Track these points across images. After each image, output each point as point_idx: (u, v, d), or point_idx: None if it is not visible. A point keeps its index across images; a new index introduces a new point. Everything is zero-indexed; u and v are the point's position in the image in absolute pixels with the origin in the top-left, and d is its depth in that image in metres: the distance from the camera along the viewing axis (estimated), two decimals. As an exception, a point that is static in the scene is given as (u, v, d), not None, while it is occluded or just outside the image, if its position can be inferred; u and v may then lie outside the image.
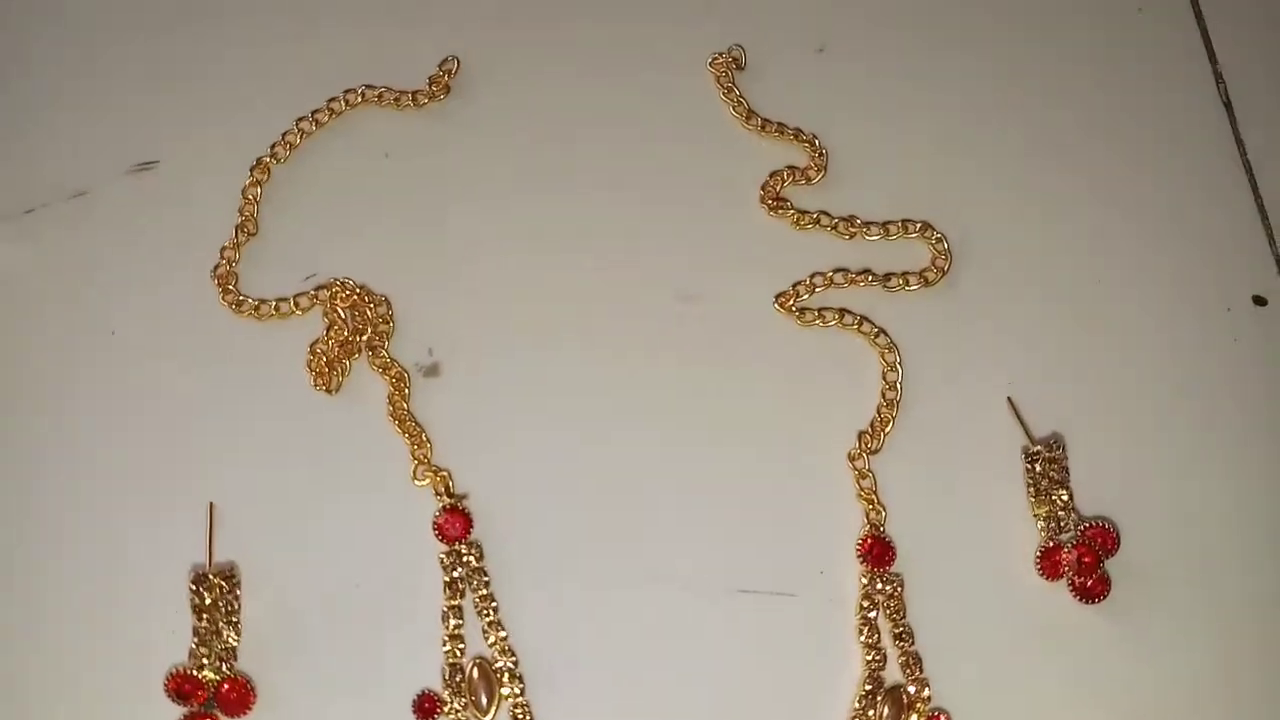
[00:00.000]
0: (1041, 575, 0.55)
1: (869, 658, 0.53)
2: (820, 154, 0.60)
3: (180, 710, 0.51)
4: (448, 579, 0.52)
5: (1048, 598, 0.55)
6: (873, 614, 0.54)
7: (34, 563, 0.53)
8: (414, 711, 0.50)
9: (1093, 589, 0.55)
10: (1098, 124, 0.61)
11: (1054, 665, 0.54)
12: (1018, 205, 0.60)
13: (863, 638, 0.53)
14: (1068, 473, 0.55)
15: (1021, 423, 0.55)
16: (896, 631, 0.53)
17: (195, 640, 0.51)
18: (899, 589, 0.53)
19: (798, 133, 0.60)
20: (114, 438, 0.55)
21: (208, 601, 0.50)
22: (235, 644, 0.51)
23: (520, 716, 0.50)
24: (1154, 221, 0.60)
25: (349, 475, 0.55)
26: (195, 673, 0.50)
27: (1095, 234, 0.60)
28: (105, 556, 0.53)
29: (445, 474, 0.53)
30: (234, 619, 0.51)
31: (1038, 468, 0.55)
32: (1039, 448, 0.54)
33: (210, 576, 0.50)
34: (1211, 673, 0.54)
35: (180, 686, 0.50)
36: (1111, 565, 0.55)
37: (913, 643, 0.53)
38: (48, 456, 0.54)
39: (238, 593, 0.51)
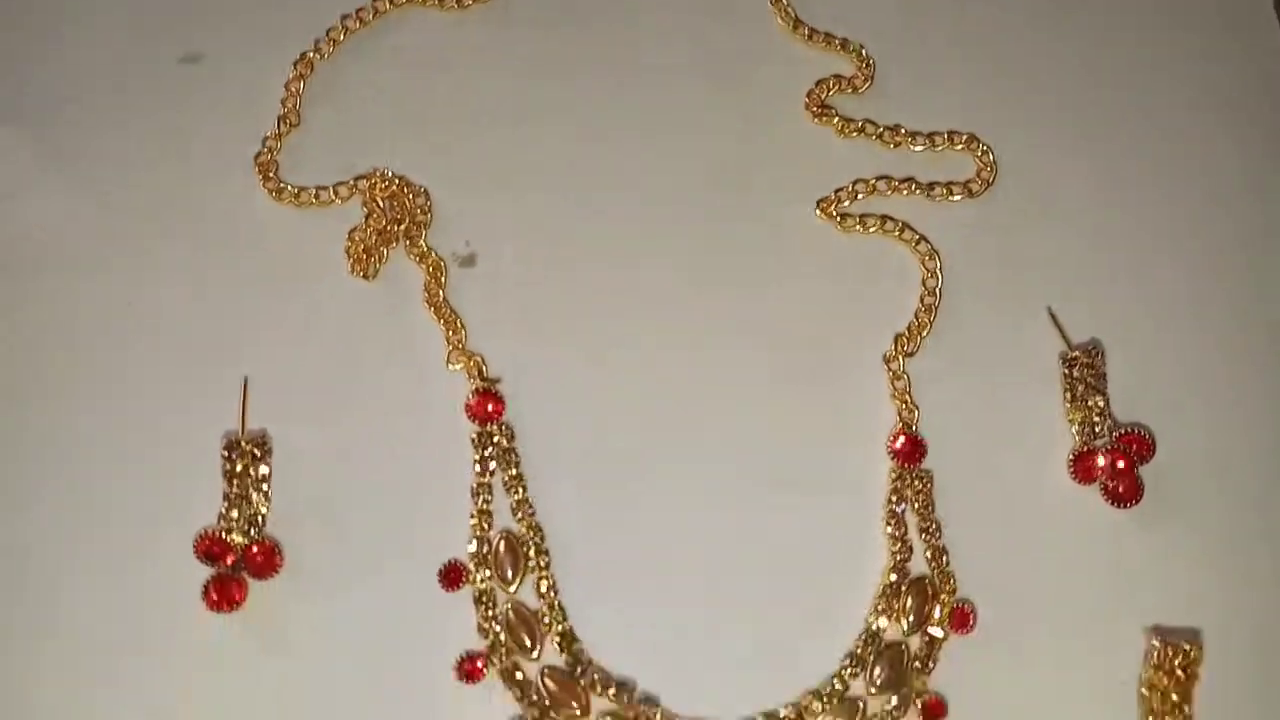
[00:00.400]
0: (1074, 479, 0.54)
1: (895, 549, 0.52)
2: (867, 64, 0.60)
3: (209, 571, 0.49)
4: (478, 457, 0.52)
5: (1080, 501, 0.55)
6: (900, 508, 0.53)
7: (79, 431, 0.54)
8: (440, 580, 0.50)
9: (1125, 493, 0.54)
10: (1147, 42, 0.60)
11: (1083, 566, 0.54)
12: (1064, 122, 0.60)
13: (889, 529, 0.53)
14: (1105, 380, 0.55)
15: (1061, 330, 0.55)
16: (924, 526, 0.53)
17: (225, 505, 0.51)
18: (928, 485, 0.53)
19: (844, 42, 0.60)
20: (157, 316, 0.55)
21: (239, 468, 0.50)
22: (264, 511, 0.52)
23: (545, 589, 0.50)
24: (1198, 140, 0.59)
25: (384, 357, 0.55)
26: (224, 536, 0.49)
27: (1140, 153, 0.59)
28: (143, 426, 0.53)
29: (479, 358, 0.53)
30: (264, 487, 0.50)
31: (1075, 373, 0.54)
32: (1076, 353, 0.54)
33: (242, 444, 0.51)
34: (1243, 580, 0.53)
35: (209, 548, 0.50)
36: (1146, 472, 0.54)
37: (940, 537, 0.53)
38: (92, 329, 0.55)
39: (269, 461, 0.51)
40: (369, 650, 0.51)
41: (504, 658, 0.49)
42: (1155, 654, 0.50)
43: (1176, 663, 0.49)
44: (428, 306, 0.55)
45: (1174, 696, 0.48)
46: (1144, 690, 0.50)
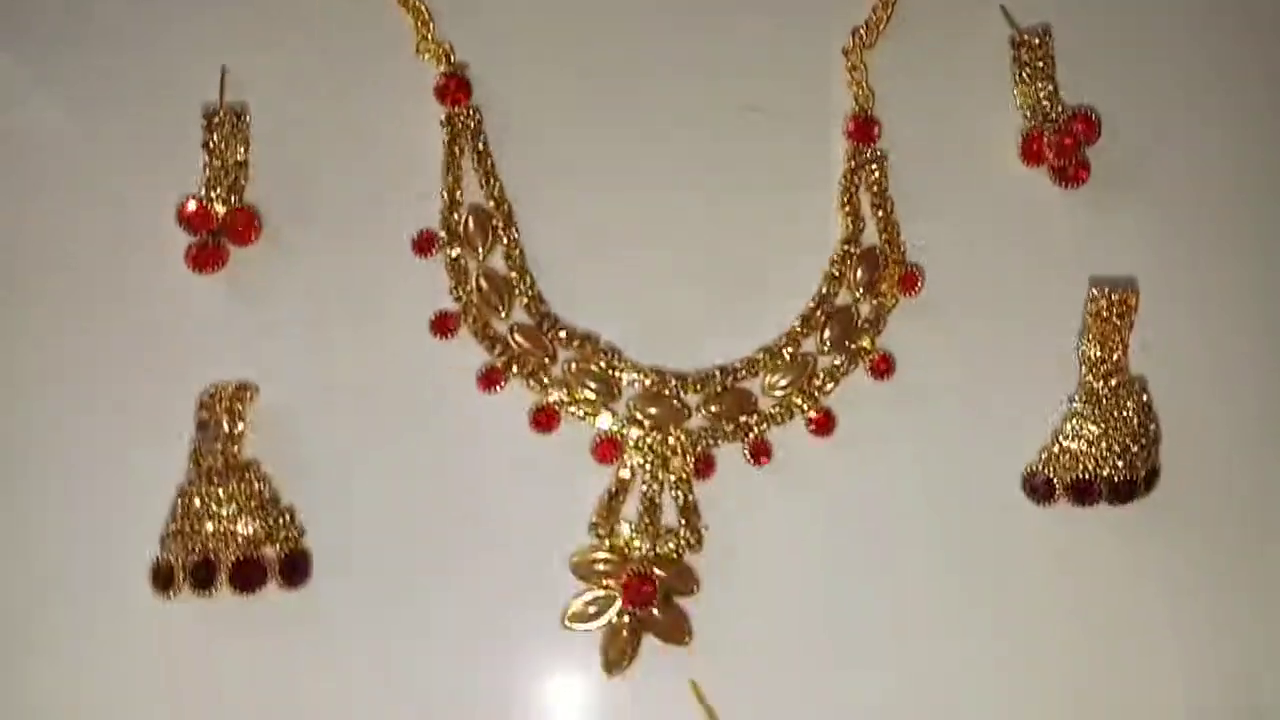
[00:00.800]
0: (1023, 160, 0.56)
1: (848, 224, 0.54)
2: None
3: (189, 240, 0.52)
4: (446, 138, 0.53)
5: (1029, 182, 0.57)
6: (855, 187, 0.54)
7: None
8: (413, 247, 0.52)
9: (1073, 173, 0.56)
10: None
11: (1032, 243, 0.56)
12: None
13: (845, 207, 0.54)
14: (1054, 63, 0.56)
15: (1010, 19, 0.57)
16: (877, 204, 0.54)
17: (207, 176, 0.53)
18: (883, 163, 0.54)
19: None
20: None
21: (216, 139, 0.51)
22: (243, 184, 0.53)
23: (514, 256, 0.52)
24: None
25: (351, 51, 0.56)
26: (206, 205, 0.51)
27: None
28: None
29: (447, 46, 0.55)
30: (241, 160, 0.53)
31: (1024, 55, 0.56)
32: (1025, 36, 0.55)
33: (220, 114, 0.52)
34: (1186, 251, 0.55)
35: (190, 218, 0.51)
36: (1094, 156, 0.56)
37: (892, 212, 0.54)
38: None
39: (246, 133, 0.53)
40: (349, 308, 0.53)
41: (475, 318, 0.51)
42: (1094, 301, 0.51)
43: (1113, 308, 0.50)
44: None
45: (1112, 339, 0.49)
46: (1084, 339, 0.51)
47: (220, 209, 0.54)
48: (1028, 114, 0.57)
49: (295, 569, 0.49)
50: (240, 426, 0.50)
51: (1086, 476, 0.51)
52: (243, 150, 0.54)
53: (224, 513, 0.48)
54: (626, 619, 0.49)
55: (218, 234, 0.54)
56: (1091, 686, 0.52)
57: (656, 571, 0.49)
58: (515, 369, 0.52)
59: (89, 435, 0.52)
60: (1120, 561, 0.53)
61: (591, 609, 0.49)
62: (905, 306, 0.55)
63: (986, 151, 0.57)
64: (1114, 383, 0.51)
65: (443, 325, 0.53)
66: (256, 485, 0.50)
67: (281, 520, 0.50)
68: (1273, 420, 0.54)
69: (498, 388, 0.52)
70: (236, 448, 0.50)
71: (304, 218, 0.54)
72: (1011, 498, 0.53)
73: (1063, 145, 0.56)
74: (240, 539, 0.48)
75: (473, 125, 0.55)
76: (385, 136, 0.55)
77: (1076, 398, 0.53)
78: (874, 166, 0.56)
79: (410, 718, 0.50)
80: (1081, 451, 0.51)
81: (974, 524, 0.53)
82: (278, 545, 0.49)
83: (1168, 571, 0.52)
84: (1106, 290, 0.52)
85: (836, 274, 0.55)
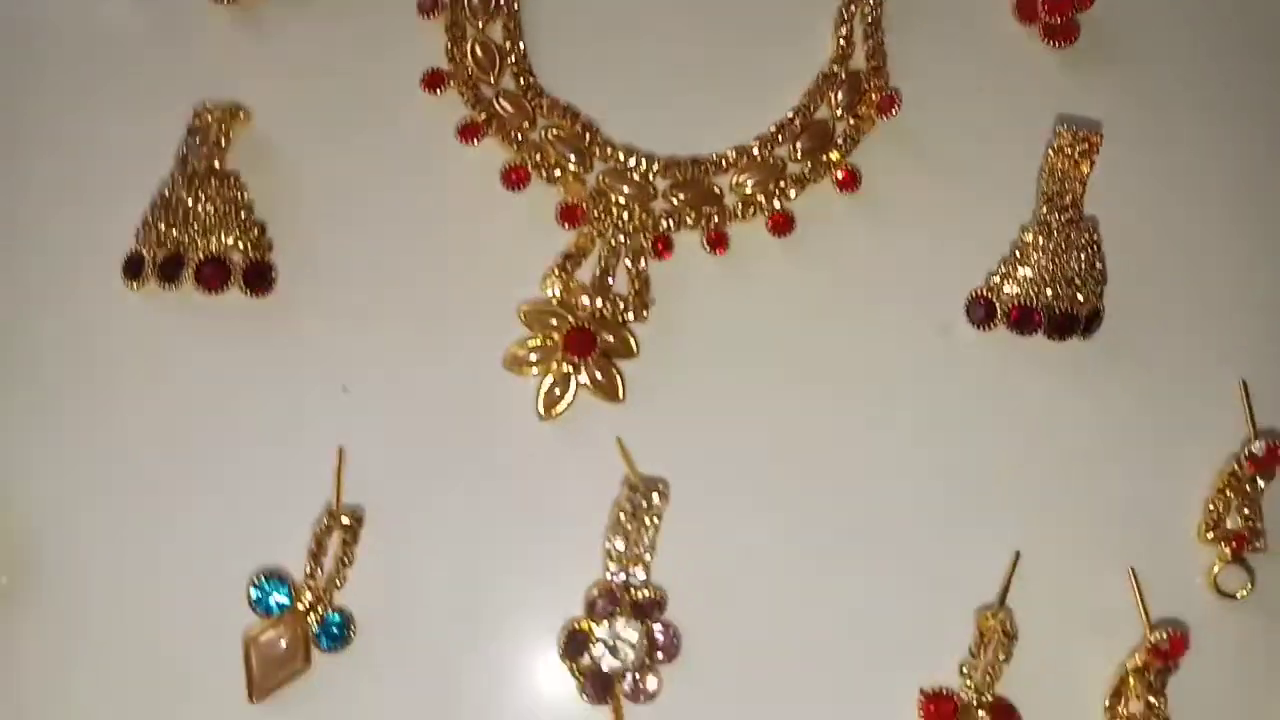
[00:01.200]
0: (1017, 18, 0.57)
1: (839, 45, 0.56)
2: None
3: None
4: None
5: (1018, 37, 0.58)
6: (852, 16, 0.56)
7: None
8: (418, 7, 0.56)
9: (1062, 31, 0.57)
10: None
11: (1009, 92, 0.57)
12: None
13: (839, 30, 0.56)
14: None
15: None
16: (869, 32, 0.56)
17: None
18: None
19: None
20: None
21: None
22: None
23: (511, 28, 0.56)
24: None
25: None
26: None
27: None
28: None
29: None
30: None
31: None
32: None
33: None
34: (1153, 120, 0.57)
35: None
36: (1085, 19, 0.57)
37: (882, 42, 0.56)
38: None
39: None
40: (348, 64, 0.55)
41: (466, 80, 0.53)
42: (1058, 136, 0.53)
43: (1076, 146, 0.51)
44: None
45: (1070, 175, 0.51)
46: (1044, 174, 0.52)
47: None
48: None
49: (260, 277, 0.50)
50: (226, 138, 0.50)
51: (1027, 304, 0.51)
52: None
53: (199, 211, 0.49)
54: (566, 367, 0.51)
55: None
56: (1020, 510, 0.53)
57: (599, 331, 0.50)
58: (493, 128, 0.52)
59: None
60: (1055, 396, 0.54)
61: (533, 356, 0.50)
62: (881, 129, 0.56)
63: (983, 5, 0.58)
64: (1066, 218, 0.51)
65: (433, 81, 0.54)
66: (234, 192, 0.51)
67: (253, 231, 0.50)
68: (1224, 279, 0.55)
69: (475, 140, 0.54)
70: (220, 156, 0.51)
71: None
72: (954, 319, 0.54)
73: (1057, 3, 0.56)
74: (210, 240, 0.49)
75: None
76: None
77: (1029, 229, 0.52)
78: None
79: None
80: (1026, 279, 0.52)
81: (914, 342, 0.54)
82: (245, 253, 0.50)
83: (1101, 409, 0.53)
84: (1071, 127, 0.53)
85: (819, 89, 0.55)
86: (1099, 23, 0.57)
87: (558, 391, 0.51)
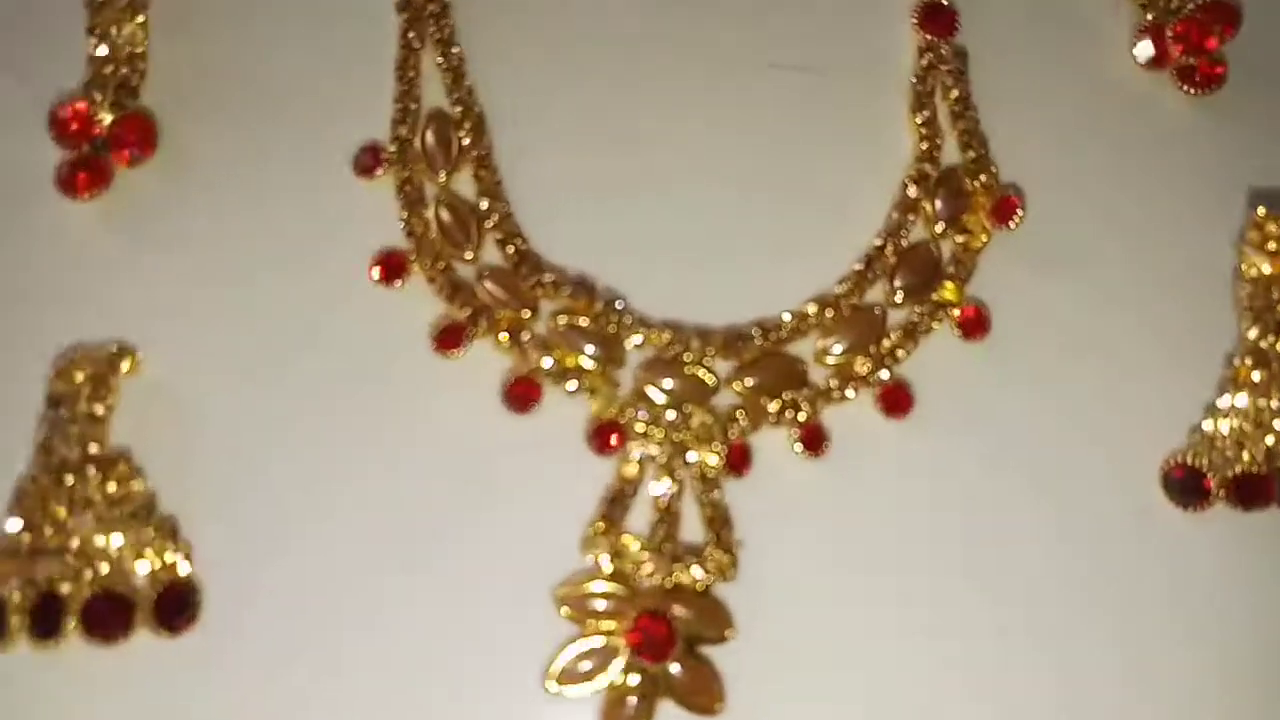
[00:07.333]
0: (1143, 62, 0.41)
1: (922, 136, 0.39)
2: None
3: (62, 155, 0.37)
4: (402, 25, 0.40)
5: (1150, 85, 0.42)
6: (930, 92, 0.40)
7: None
8: (354, 167, 0.39)
9: (1203, 76, 0.41)
10: None
11: (1157, 162, 0.41)
12: None
13: (917, 117, 0.39)
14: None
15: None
16: (957, 111, 0.40)
17: (90, 72, 0.38)
18: (962, 62, 0.40)
19: None
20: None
21: (104, 24, 0.38)
22: (137, 84, 0.39)
23: (484, 178, 0.39)
24: None
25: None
26: (89, 111, 0.38)
27: None
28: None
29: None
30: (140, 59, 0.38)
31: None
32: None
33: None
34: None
35: (64, 129, 0.37)
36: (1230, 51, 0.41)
37: (977, 123, 0.39)
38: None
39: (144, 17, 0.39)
40: (267, 247, 0.38)
41: (433, 258, 0.33)
42: (1253, 229, 0.37)
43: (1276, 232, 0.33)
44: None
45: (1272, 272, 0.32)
46: (1241, 289, 0.36)
47: (106, 116, 0.38)
48: (1145, 4, 0.41)
49: (176, 606, 0.32)
50: (106, 406, 0.33)
51: (1255, 469, 0.35)
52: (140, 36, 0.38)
53: (75, 525, 0.29)
54: (635, 678, 0.32)
55: (100, 147, 0.38)
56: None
57: (675, 610, 0.32)
58: (484, 325, 0.34)
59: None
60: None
61: (585, 664, 0.33)
62: (999, 243, 0.38)
63: (1095, 49, 0.42)
64: (1287, 338, 0.33)
65: (390, 267, 0.37)
66: (126, 486, 0.34)
67: (159, 537, 0.33)
68: None
69: (458, 350, 0.36)
70: (101, 434, 0.34)
71: (211, 126, 0.39)
72: (1148, 500, 0.37)
73: (1190, 41, 0.40)
74: (98, 564, 0.29)
75: (437, 9, 0.40)
76: (321, 23, 0.40)
77: (1235, 357, 0.36)
78: (952, 63, 0.40)
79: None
80: (1244, 433, 0.35)
81: (1096, 536, 0.37)
82: (152, 573, 0.32)
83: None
84: (1275, 208, 0.36)
85: (908, 201, 0.39)
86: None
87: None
